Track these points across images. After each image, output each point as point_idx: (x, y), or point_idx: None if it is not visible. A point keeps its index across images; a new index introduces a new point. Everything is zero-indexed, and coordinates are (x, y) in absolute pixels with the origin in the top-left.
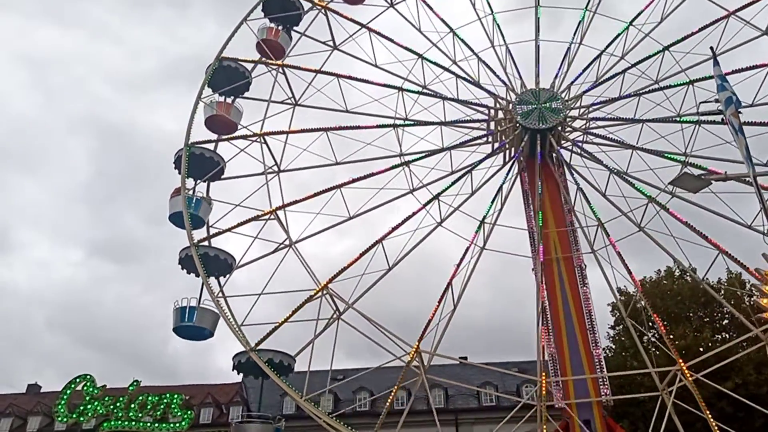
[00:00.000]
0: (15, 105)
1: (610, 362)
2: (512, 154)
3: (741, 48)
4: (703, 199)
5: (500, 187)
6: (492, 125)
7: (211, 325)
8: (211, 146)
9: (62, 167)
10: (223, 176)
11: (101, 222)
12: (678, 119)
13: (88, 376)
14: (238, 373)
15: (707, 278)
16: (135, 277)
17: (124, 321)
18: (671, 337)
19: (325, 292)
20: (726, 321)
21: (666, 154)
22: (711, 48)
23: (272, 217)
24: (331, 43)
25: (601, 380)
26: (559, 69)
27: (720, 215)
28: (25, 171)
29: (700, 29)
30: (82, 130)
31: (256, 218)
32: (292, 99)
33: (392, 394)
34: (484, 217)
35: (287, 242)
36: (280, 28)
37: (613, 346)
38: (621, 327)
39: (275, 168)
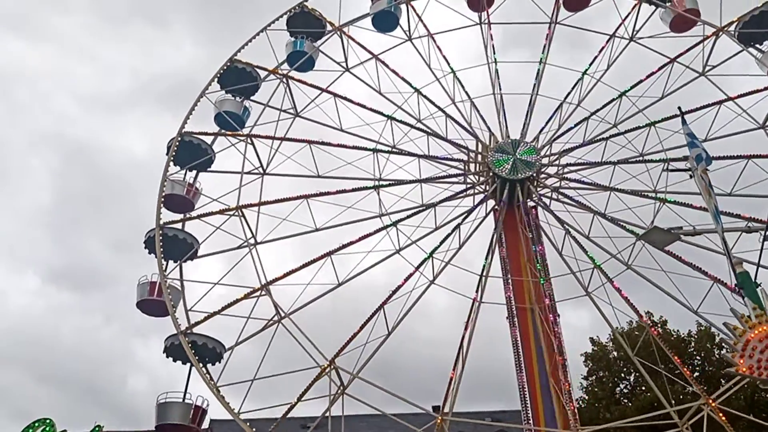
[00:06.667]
0: None
1: (584, 413)
2: (483, 199)
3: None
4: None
5: (458, 226)
6: (471, 167)
7: (174, 302)
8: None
9: (23, 188)
10: (210, 168)
11: (63, 247)
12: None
13: (48, 421)
14: (168, 357)
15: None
16: (96, 307)
17: (83, 355)
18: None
19: (263, 293)
20: (697, 374)
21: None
22: (679, 108)
23: (237, 213)
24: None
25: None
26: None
27: (670, 295)
28: None
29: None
30: (46, 149)
31: (220, 212)
32: (295, 111)
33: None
34: (433, 251)
35: (251, 241)
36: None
37: (586, 397)
38: (594, 378)
39: (261, 170)
